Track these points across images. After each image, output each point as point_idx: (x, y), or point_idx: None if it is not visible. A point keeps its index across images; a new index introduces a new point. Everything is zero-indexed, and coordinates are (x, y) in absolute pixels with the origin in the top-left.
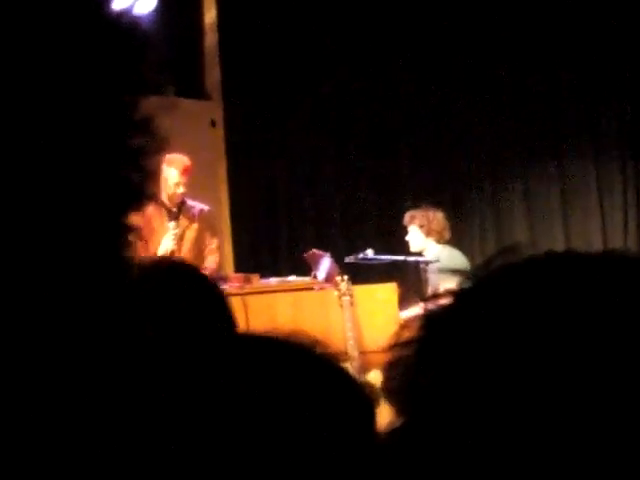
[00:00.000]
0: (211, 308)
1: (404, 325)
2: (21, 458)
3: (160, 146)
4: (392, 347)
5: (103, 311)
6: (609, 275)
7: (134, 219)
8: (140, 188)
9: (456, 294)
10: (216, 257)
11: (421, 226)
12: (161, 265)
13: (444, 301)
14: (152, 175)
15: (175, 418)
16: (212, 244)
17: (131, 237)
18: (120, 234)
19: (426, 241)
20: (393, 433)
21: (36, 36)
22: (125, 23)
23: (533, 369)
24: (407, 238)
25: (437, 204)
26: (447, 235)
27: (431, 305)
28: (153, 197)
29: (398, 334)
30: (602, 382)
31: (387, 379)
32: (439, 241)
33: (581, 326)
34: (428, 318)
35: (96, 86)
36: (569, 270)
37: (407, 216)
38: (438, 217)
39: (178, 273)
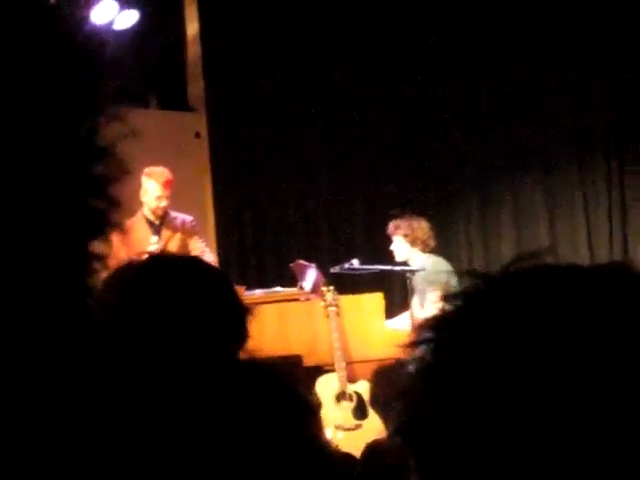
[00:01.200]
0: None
1: (416, 328)
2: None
3: (123, 172)
4: (404, 348)
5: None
6: (617, 287)
7: (99, 247)
8: (104, 216)
9: (464, 297)
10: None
11: (405, 235)
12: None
13: (448, 304)
14: (116, 202)
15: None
16: (198, 247)
17: (96, 265)
18: (84, 262)
19: (411, 250)
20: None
21: None
22: (89, 46)
23: (543, 375)
24: (392, 248)
25: (421, 213)
26: (432, 243)
27: (425, 311)
28: (119, 225)
29: (411, 337)
30: (613, 388)
31: (380, 385)
32: (424, 250)
33: (583, 330)
34: (437, 321)
35: (56, 113)
36: (572, 282)
37: (391, 226)
38: (422, 226)
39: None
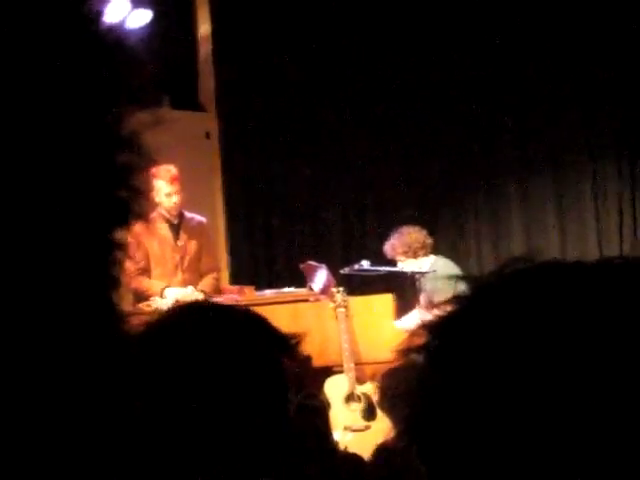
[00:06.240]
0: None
1: (413, 333)
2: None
3: (148, 162)
4: (402, 353)
5: (89, 331)
6: (617, 284)
7: (122, 236)
8: (128, 205)
9: (464, 300)
10: (211, 277)
11: (405, 253)
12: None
13: (449, 308)
14: (140, 191)
15: None
16: (210, 263)
17: (119, 255)
18: (108, 252)
19: (418, 261)
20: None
21: (19, 53)
22: (111, 38)
23: (545, 373)
24: (399, 268)
25: (431, 211)
26: (430, 242)
27: (433, 313)
28: (142, 214)
29: (408, 341)
30: (615, 387)
31: (386, 387)
32: (427, 253)
33: (585, 331)
34: (437, 325)
35: (81, 103)
36: (578, 278)
37: (387, 250)
38: (413, 236)
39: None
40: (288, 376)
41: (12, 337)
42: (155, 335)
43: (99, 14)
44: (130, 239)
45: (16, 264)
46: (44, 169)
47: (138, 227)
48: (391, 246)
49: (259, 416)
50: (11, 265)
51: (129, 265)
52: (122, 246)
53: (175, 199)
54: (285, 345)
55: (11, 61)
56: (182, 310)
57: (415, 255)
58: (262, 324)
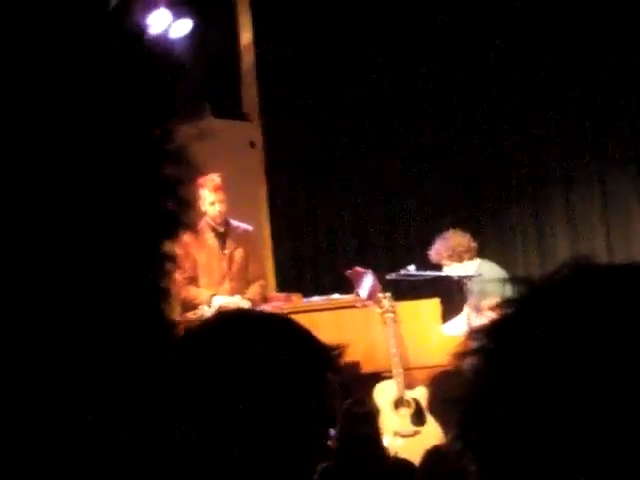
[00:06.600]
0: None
1: (467, 336)
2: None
3: (194, 174)
4: (456, 357)
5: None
6: None
7: (171, 248)
8: (177, 216)
9: (517, 303)
10: (258, 286)
11: (450, 257)
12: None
13: (501, 310)
14: (187, 203)
15: None
16: (257, 271)
17: (169, 266)
18: (158, 263)
19: (463, 265)
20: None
21: (68, 66)
22: (158, 51)
23: (606, 377)
24: (445, 273)
25: (476, 217)
26: (475, 246)
27: (482, 316)
28: (190, 225)
29: (462, 345)
30: None
31: (437, 392)
32: (472, 257)
33: (634, 327)
34: (492, 328)
35: (129, 117)
36: (636, 281)
37: (432, 255)
38: (457, 240)
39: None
40: (332, 386)
41: (67, 346)
42: (195, 341)
43: (143, 28)
44: (179, 250)
45: (70, 275)
46: (96, 183)
47: (186, 237)
48: (436, 251)
49: (297, 430)
50: (65, 277)
51: (178, 275)
52: (171, 257)
53: (219, 207)
54: (327, 357)
55: (64, 78)
56: (222, 318)
57: (460, 259)
58: (304, 335)
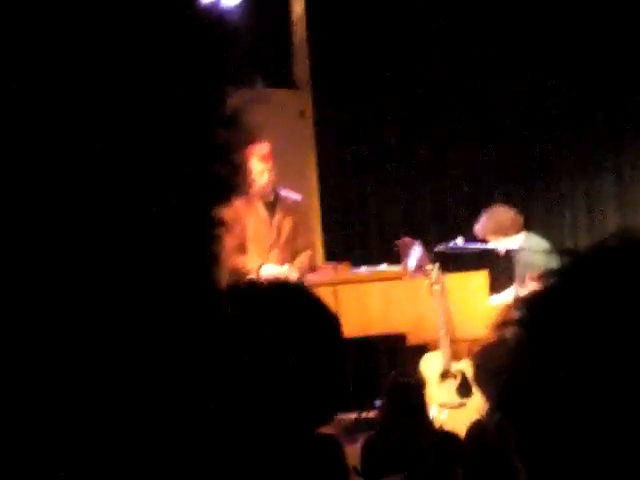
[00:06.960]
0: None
1: (508, 307)
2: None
3: (248, 139)
4: (495, 328)
5: (191, 311)
6: None
7: (223, 213)
8: (228, 182)
9: (560, 274)
10: (306, 256)
11: (495, 233)
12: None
13: (545, 282)
14: (240, 168)
15: None
16: (305, 241)
17: (220, 231)
18: (209, 228)
19: (509, 240)
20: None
21: (123, 33)
22: (211, 17)
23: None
24: (491, 245)
25: (525, 192)
26: (520, 219)
27: (528, 288)
28: (241, 190)
29: (502, 316)
30: None
31: (481, 362)
32: (518, 231)
33: None
34: (532, 299)
35: (184, 81)
36: None
37: (478, 230)
38: (502, 215)
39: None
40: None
41: (116, 313)
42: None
43: None
44: (230, 214)
45: (120, 241)
46: (149, 145)
47: (238, 204)
48: (482, 226)
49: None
50: (116, 242)
51: (228, 241)
52: (222, 222)
53: (268, 176)
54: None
55: (121, 47)
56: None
57: (506, 234)
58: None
